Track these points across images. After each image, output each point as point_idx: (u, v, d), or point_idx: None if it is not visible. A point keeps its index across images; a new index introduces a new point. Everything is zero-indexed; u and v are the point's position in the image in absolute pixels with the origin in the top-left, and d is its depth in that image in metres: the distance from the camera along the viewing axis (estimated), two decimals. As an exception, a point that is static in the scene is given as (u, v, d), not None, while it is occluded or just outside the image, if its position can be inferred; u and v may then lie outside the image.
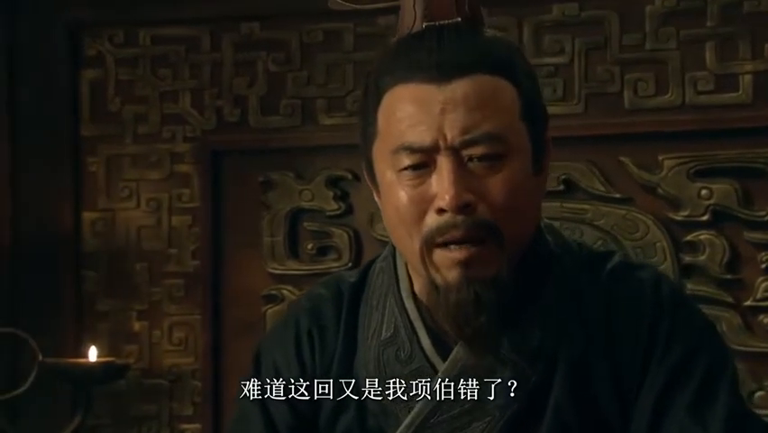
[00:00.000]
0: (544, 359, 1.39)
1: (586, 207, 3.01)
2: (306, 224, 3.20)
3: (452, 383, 1.39)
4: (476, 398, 1.39)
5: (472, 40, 1.39)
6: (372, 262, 1.55)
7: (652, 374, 1.38)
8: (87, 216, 3.36)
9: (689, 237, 2.98)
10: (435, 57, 1.36)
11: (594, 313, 1.41)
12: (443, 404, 1.40)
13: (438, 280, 1.37)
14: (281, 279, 3.19)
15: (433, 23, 1.40)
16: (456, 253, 1.35)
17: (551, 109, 2.95)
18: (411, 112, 1.36)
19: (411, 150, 1.36)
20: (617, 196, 3.01)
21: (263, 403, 1.50)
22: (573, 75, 3.06)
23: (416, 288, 1.46)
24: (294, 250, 3.20)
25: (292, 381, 1.48)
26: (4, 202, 3.38)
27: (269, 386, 1.49)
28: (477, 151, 1.35)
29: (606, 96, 3.04)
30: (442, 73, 1.35)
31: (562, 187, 3.02)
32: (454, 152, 1.35)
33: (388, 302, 1.46)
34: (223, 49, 3.28)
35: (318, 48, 3.21)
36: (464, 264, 1.35)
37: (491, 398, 1.38)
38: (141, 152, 3.33)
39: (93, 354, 3.09)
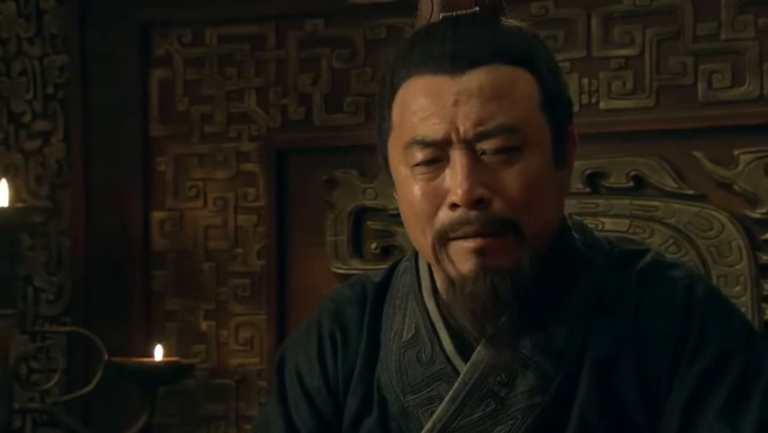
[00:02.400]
0: (568, 360, 1.29)
1: (657, 204, 2.77)
2: (369, 222, 3.01)
3: (474, 386, 1.30)
4: (499, 401, 1.30)
5: (489, 30, 1.30)
6: (399, 261, 1.45)
7: (681, 377, 1.28)
8: (156, 215, 3.23)
9: (767, 235, 2.72)
10: (449, 48, 1.27)
11: (623, 313, 1.31)
12: (465, 408, 1.30)
13: (453, 273, 1.28)
14: (345, 278, 2.96)
15: (449, 14, 1.32)
16: (471, 243, 1.26)
17: (620, 103, 2.83)
18: (423, 104, 1.27)
19: (423, 144, 1.27)
20: (690, 192, 2.76)
21: (286, 407, 1.42)
22: (644, 67, 2.82)
23: (439, 286, 1.36)
24: (358, 249, 3.02)
25: (314, 384, 1.41)
26: (78, 202, 3.27)
27: (291, 390, 1.42)
28: (491, 144, 1.26)
29: (678, 88, 2.79)
30: (455, 64, 1.27)
31: (631, 183, 2.78)
32: (468, 145, 1.26)
33: (409, 302, 1.37)
34: (287, 46, 3.11)
35: (382, 44, 3.01)
36: (479, 253, 1.26)
37: (514, 401, 1.29)
38: (208, 152, 3.19)
39: (158, 353, 2.97)
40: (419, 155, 1.27)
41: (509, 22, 1.33)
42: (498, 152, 1.25)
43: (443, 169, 1.27)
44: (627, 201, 2.78)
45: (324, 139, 3.05)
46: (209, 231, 3.19)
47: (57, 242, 3.31)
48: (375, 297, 1.41)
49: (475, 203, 1.24)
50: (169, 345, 3.13)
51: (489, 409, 1.29)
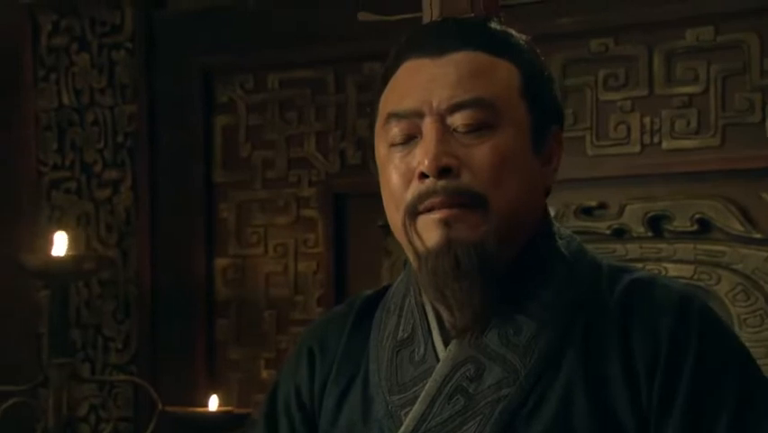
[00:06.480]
0: (539, 355, 1.24)
1: (723, 248, 2.57)
2: (425, 270, 2.87)
3: (443, 382, 1.26)
4: (467, 397, 1.25)
5: (476, 26, 1.31)
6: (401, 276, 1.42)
7: (668, 394, 1.21)
8: (219, 262, 3.16)
9: (842, 282, 2.50)
10: (435, 37, 1.29)
11: (610, 317, 1.25)
12: (434, 406, 1.26)
13: (420, 247, 1.25)
14: (402, 327, 2.86)
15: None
16: (437, 214, 1.23)
17: (684, 143, 2.64)
18: (402, 83, 1.28)
19: (397, 116, 1.26)
20: (758, 236, 2.56)
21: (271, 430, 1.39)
22: (709, 105, 2.64)
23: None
24: (414, 297, 2.88)
25: (295, 405, 1.38)
26: (144, 250, 3.22)
27: (279, 414, 1.39)
28: (464, 117, 1.24)
29: (745, 126, 2.60)
30: (437, 49, 1.27)
31: (696, 227, 2.60)
32: (440, 118, 1.25)
33: (406, 303, 1.33)
34: (347, 90, 3.01)
35: (440, 85, 2.88)
36: (445, 223, 1.23)
37: (483, 395, 1.25)
38: (269, 197, 3.12)
39: (213, 403, 2.87)
40: (395, 129, 1.26)
41: (501, 25, 1.32)
42: (470, 128, 1.23)
43: (416, 146, 1.25)
44: (692, 246, 2.59)
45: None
46: (270, 278, 3.11)
47: (125, 290, 3.27)
48: (364, 304, 1.39)
49: (442, 172, 1.22)
50: (231, 395, 3.05)
51: (458, 406, 1.25)
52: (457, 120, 1.24)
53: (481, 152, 1.23)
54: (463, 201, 1.23)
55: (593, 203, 2.69)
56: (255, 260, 3.12)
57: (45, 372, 2.72)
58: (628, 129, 2.69)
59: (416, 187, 1.23)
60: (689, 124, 2.64)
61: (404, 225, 1.25)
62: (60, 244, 2.80)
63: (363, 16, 1.53)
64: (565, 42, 2.73)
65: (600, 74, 2.72)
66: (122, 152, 3.31)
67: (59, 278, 2.71)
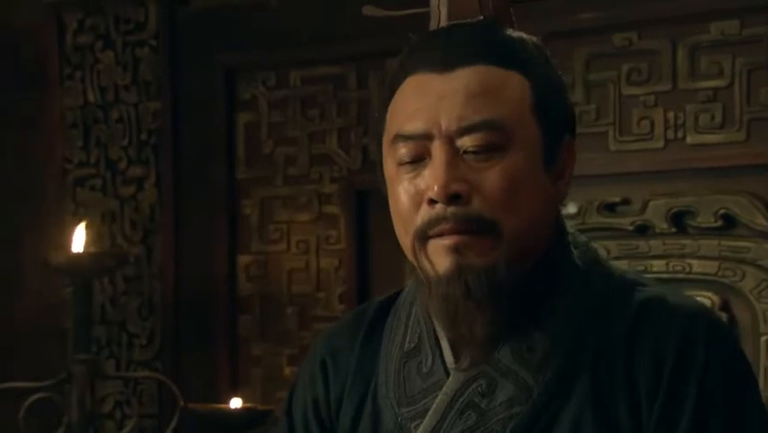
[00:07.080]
0: (550, 372, 1.22)
1: (748, 244, 2.52)
2: (448, 266, 2.84)
3: (455, 397, 1.24)
4: (479, 413, 1.23)
5: (485, 35, 1.26)
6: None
7: (668, 422, 1.19)
8: (242, 259, 3.15)
9: None
10: (442, 49, 1.24)
11: (620, 334, 1.23)
12: (446, 421, 1.24)
13: (431, 272, 1.22)
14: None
15: (454, 23, 1.30)
16: (447, 240, 1.21)
17: (708, 138, 2.59)
18: (410, 101, 1.24)
19: (405, 137, 1.23)
20: (784, 232, 2.51)
21: None
22: (734, 99, 2.59)
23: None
24: (436, 293, 2.85)
25: (308, 416, 1.37)
26: (168, 247, 3.21)
27: (297, 425, 1.38)
28: (474, 139, 1.21)
29: (771, 121, 2.55)
30: (446, 63, 1.23)
31: (720, 223, 2.55)
32: (449, 140, 1.21)
33: (413, 312, 1.32)
34: (369, 86, 2.99)
35: (462, 81, 2.85)
36: (455, 250, 1.20)
37: (494, 412, 1.23)
38: (292, 194, 3.10)
39: (234, 401, 2.85)
40: (403, 150, 1.23)
41: (511, 31, 1.28)
42: (480, 150, 1.20)
43: (425, 167, 1.22)
44: (716, 242, 2.54)
45: (403, 180, 2.90)
46: (292, 274, 3.09)
47: (149, 287, 3.26)
48: (376, 313, 1.37)
49: (451, 198, 1.19)
50: (254, 391, 3.03)
51: (470, 422, 1.23)
52: (466, 142, 1.20)
53: (492, 177, 1.20)
54: (473, 228, 1.20)
55: (616, 199, 2.65)
56: (278, 256, 3.11)
57: (68, 368, 2.71)
58: (652, 124, 2.65)
59: (425, 212, 1.21)
60: (713, 118, 2.59)
61: (413, 248, 1.23)
62: (80, 237, 2.78)
63: (368, 11, 1.49)
64: (588, 37, 2.69)
65: (624, 69, 2.68)
66: (146, 149, 3.30)
67: (81, 274, 2.69)
